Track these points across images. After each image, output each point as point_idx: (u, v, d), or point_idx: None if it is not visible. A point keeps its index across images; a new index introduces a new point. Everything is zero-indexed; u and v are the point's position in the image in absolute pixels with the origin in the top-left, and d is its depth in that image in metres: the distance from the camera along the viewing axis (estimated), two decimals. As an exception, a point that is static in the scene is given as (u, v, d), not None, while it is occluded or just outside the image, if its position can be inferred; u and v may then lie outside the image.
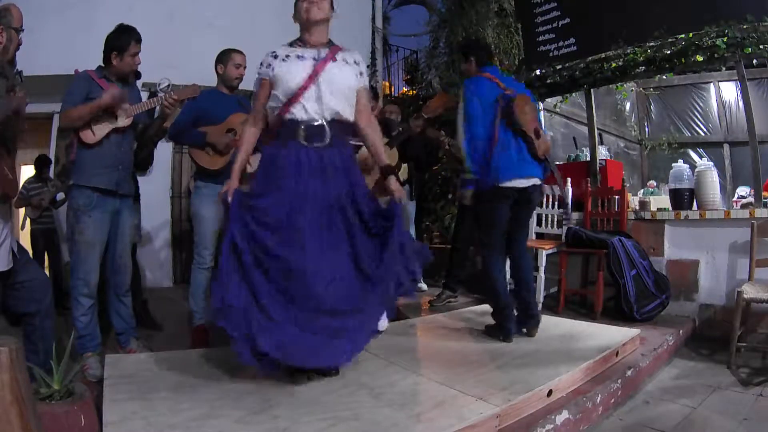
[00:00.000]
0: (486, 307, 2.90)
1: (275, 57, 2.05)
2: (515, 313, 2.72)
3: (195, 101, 2.65)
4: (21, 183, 4.60)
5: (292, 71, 1.99)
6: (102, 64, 2.44)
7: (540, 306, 3.60)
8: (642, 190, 5.04)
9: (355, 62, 2.11)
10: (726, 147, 6.01)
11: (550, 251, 3.62)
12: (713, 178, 3.52)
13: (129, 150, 2.52)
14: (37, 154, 4.87)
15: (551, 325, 2.98)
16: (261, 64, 2.08)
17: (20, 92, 1.87)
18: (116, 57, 2.39)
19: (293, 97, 1.98)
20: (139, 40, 2.42)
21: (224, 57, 2.82)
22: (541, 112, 5.01)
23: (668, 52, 3.75)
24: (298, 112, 1.99)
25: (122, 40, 2.38)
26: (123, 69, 2.43)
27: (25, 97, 1.88)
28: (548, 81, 4.48)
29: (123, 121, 2.39)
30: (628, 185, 4.04)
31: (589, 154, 4.51)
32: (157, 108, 2.54)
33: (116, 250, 2.48)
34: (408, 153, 3.69)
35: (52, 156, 4.98)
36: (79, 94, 2.31)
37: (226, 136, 2.74)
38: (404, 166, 3.78)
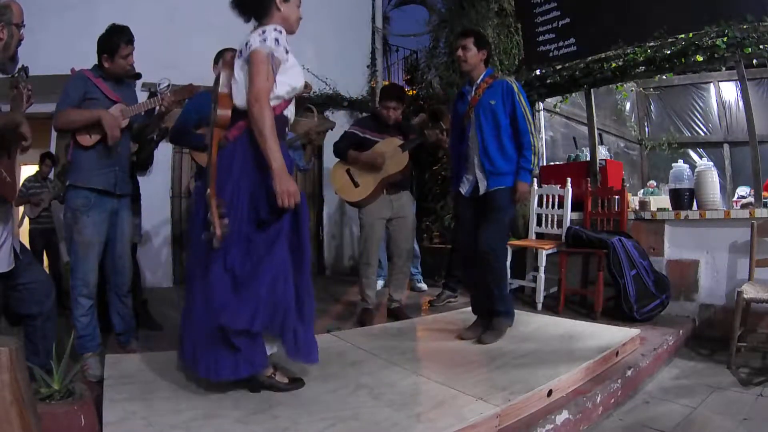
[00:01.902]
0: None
1: (286, 50, 1.84)
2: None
3: (194, 103, 2.64)
4: (21, 182, 4.60)
5: (298, 70, 1.92)
6: (97, 63, 2.42)
7: (540, 306, 3.61)
8: (642, 190, 5.04)
9: None
10: (726, 147, 6.00)
11: (550, 251, 3.62)
12: (713, 178, 3.52)
13: (126, 151, 2.51)
14: (37, 155, 4.86)
15: (551, 325, 2.99)
16: (278, 41, 1.78)
17: (25, 88, 1.87)
18: (107, 60, 2.36)
19: (293, 97, 1.95)
20: (129, 42, 2.37)
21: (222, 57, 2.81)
22: (541, 112, 5.02)
23: (668, 52, 3.74)
24: (289, 111, 1.97)
25: (112, 42, 2.34)
26: (115, 71, 2.40)
27: (31, 96, 1.89)
28: (548, 81, 4.47)
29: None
30: (628, 185, 4.03)
31: (589, 154, 4.51)
32: (156, 108, 2.53)
33: (116, 250, 2.47)
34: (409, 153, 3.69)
35: (52, 156, 4.97)
36: (75, 94, 2.30)
37: None
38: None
